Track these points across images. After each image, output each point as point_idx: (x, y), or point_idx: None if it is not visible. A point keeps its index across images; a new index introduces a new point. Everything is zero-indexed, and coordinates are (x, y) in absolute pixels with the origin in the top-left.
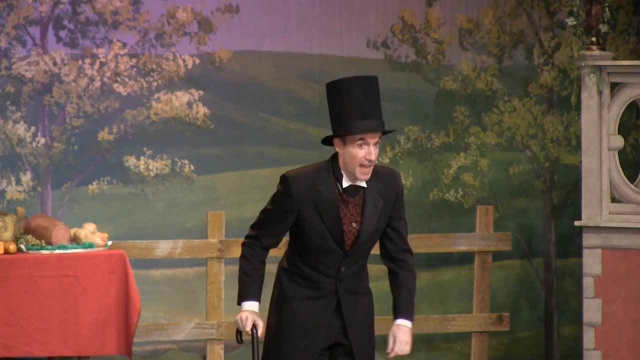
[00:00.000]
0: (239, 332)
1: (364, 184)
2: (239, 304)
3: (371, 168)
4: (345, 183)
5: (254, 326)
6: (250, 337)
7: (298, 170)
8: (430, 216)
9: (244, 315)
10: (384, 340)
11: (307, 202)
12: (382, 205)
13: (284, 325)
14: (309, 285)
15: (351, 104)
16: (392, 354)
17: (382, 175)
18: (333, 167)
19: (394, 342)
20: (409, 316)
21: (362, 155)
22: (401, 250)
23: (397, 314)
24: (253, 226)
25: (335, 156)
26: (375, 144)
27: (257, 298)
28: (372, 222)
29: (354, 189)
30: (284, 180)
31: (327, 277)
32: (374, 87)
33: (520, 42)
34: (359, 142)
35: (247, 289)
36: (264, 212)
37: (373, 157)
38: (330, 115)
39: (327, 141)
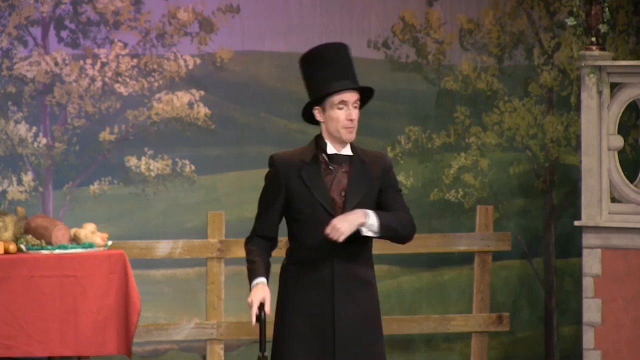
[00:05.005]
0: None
1: (349, 152)
2: (250, 289)
3: (355, 129)
4: (330, 150)
5: (261, 305)
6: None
7: (285, 151)
8: (431, 216)
9: (249, 299)
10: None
11: (292, 174)
12: (370, 177)
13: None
14: (306, 271)
15: (325, 67)
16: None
17: (369, 153)
18: (317, 139)
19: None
20: (374, 214)
21: (343, 117)
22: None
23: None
24: (255, 218)
25: (319, 135)
26: (354, 105)
27: (264, 275)
28: (359, 190)
29: (339, 157)
30: (270, 159)
31: (321, 254)
32: (345, 52)
33: (521, 42)
34: (339, 104)
35: (253, 272)
36: (259, 198)
37: (353, 116)
38: (307, 88)
39: (308, 117)
